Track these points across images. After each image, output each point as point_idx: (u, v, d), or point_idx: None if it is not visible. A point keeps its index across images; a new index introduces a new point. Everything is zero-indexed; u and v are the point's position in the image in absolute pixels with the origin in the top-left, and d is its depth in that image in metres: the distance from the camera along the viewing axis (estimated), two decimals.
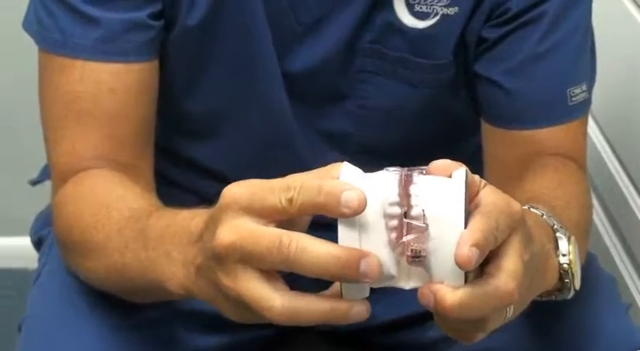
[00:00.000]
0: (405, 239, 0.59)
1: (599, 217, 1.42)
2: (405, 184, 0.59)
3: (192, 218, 0.72)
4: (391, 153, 1.04)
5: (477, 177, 0.65)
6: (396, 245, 0.59)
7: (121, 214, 0.86)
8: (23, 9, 1.06)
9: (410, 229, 0.59)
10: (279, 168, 1.03)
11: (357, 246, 0.59)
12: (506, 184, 0.97)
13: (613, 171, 1.40)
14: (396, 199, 0.59)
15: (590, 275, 0.96)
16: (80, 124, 0.98)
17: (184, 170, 1.07)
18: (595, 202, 1.26)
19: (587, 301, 0.94)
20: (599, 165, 1.41)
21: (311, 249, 0.60)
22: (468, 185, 0.62)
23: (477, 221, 0.60)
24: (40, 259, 1.08)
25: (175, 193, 1.03)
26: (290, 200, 0.62)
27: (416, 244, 0.59)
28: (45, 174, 1.10)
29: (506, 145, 1.01)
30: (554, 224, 0.78)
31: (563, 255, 0.77)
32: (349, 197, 0.58)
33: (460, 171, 0.63)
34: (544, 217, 0.79)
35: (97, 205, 0.90)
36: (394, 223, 0.59)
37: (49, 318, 0.96)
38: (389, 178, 0.60)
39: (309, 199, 0.61)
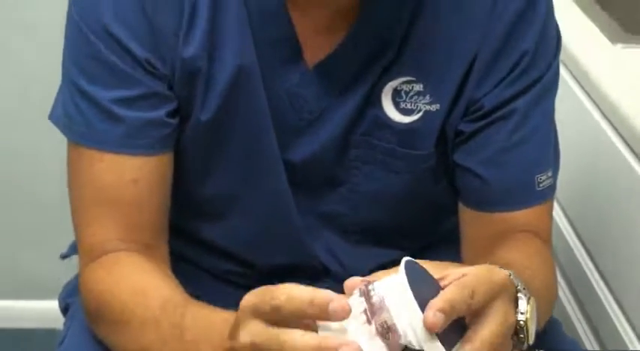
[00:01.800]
0: (372, 318, 0.65)
1: (562, 288, 1.44)
2: (366, 291, 0.66)
3: (222, 321, 0.80)
4: (380, 230, 1.07)
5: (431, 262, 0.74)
6: (368, 324, 0.65)
7: (157, 303, 0.90)
8: None
9: (373, 310, 0.65)
10: (280, 244, 1.06)
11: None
12: (481, 257, 0.98)
13: (572, 244, 1.42)
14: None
15: (555, 339, 1.02)
16: (105, 210, 0.99)
17: (194, 247, 1.07)
18: (558, 273, 1.28)
19: None
20: (561, 240, 1.43)
21: (301, 344, 0.68)
22: (416, 269, 0.69)
23: (447, 290, 0.67)
24: (65, 324, 1.09)
25: (186, 268, 1.04)
26: (278, 309, 0.70)
27: (383, 317, 0.64)
28: (73, 249, 1.10)
29: (480, 224, 1.02)
30: (517, 285, 0.79)
31: (521, 313, 0.77)
32: (335, 309, 0.66)
33: (402, 262, 0.69)
34: (511, 276, 0.81)
35: (132, 290, 0.93)
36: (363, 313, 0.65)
37: None
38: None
39: (298, 309, 0.70)
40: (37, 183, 1.94)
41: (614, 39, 1.47)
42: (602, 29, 1.51)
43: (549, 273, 0.99)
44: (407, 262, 0.68)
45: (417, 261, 0.72)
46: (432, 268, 0.73)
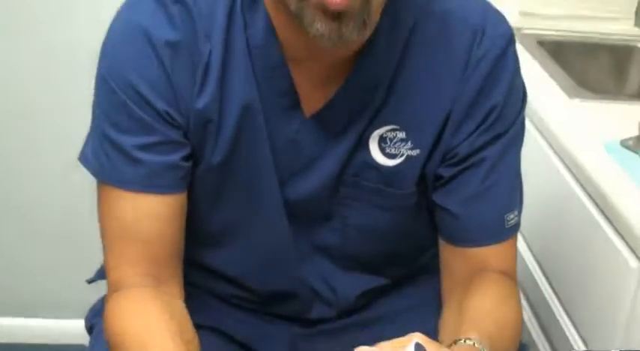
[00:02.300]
0: None
1: (527, 314, 1.45)
2: None
3: None
4: (367, 260, 1.09)
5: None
6: None
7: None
8: None
9: None
10: (276, 271, 1.08)
11: None
12: (456, 286, 1.02)
13: (535, 275, 1.44)
14: None
15: None
16: (126, 244, 1.01)
17: (201, 273, 1.09)
18: (524, 301, 1.32)
19: None
20: (527, 272, 1.45)
21: None
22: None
23: None
24: (90, 342, 1.11)
25: (193, 292, 1.06)
26: None
27: None
28: (99, 275, 1.13)
29: (456, 258, 1.05)
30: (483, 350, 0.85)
31: None
32: None
33: (412, 344, 0.76)
34: (476, 345, 0.86)
35: (138, 341, 0.94)
36: None
37: None
38: None
39: None
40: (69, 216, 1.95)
41: (571, 94, 1.51)
42: (561, 85, 1.55)
43: (518, 315, 1.01)
44: (416, 345, 0.74)
45: (424, 344, 0.77)
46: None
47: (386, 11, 0.95)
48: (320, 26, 0.87)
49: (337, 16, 0.87)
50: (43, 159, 1.92)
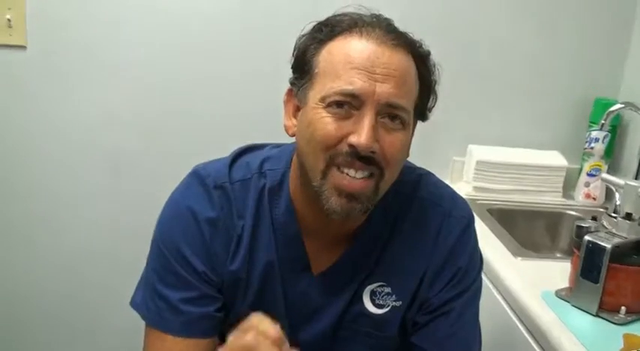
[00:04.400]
0: None
1: None
2: None
3: None
4: None
5: None
6: None
7: None
8: None
9: None
10: None
11: None
12: None
13: None
14: None
15: None
16: None
17: None
18: None
19: None
20: None
21: None
22: None
23: None
24: None
25: None
26: None
27: None
28: None
29: None
30: None
31: None
32: None
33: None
34: None
35: None
36: None
37: None
38: None
39: None
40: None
41: (515, 253, 1.56)
42: (507, 246, 1.60)
43: None
44: None
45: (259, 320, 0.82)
46: None
47: (381, 198, 1.01)
48: (334, 202, 0.95)
49: (350, 197, 0.95)
50: None
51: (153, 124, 1.95)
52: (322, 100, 0.97)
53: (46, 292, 2.04)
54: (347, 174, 0.96)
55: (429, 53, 1.03)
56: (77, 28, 1.86)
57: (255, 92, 1.91)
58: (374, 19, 1.00)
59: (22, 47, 1.83)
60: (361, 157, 0.95)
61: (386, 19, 1.02)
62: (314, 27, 1.02)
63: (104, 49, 1.88)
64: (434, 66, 1.03)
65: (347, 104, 0.95)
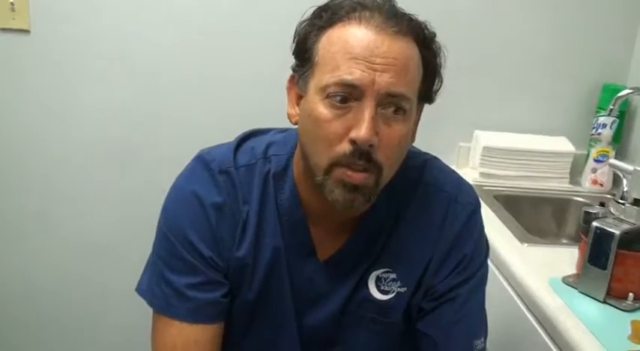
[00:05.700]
0: None
1: None
2: None
3: None
4: None
5: None
6: None
7: None
8: None
9: None
10: None
11: None
12: None
13: None
14: None
15: None
16: None
17: None
18: None
19: None
20: None
21: None
22: None
23: None
24: None
25: None
26: None
27: None
28: None
29: None
30: None
31: None
32: None
33: None
34: None
35: None
36: None
37: None
38: None
39: None
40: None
41: (521, 239, 1.55)
42: (513, 232, 1.59)
43: None
44: None
45: None
46: None
47: (386, 184, 1.01)
48: (338, 194, 0.95)
49: (353, 189, 0.95)
50: None
51: (154, 115, 1.92)
52: (322, 90, 0.96)
53: (42, 289, 2.04)
54: (348, 167, 0.96)
55: (434, 35, 1.00)
56: (79, 18, 1.83)
57: (260, 84, 1.88)
58: (375, 3, 0.98)
59: (26, 31, 1.81)
60: (361, 154, 0.94)
61: (388, 0, 0.99)
62: (314, 12, 1.01)
63: (106, 41, 1.86)
64: (439, 48, 1.01)
65: (347, 95, 0.94)
